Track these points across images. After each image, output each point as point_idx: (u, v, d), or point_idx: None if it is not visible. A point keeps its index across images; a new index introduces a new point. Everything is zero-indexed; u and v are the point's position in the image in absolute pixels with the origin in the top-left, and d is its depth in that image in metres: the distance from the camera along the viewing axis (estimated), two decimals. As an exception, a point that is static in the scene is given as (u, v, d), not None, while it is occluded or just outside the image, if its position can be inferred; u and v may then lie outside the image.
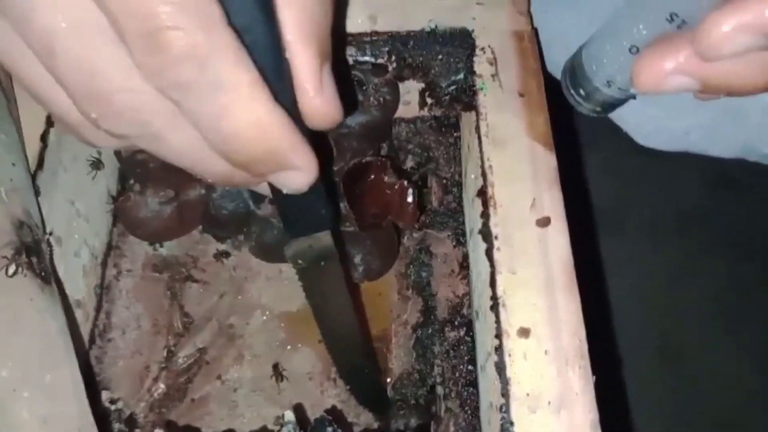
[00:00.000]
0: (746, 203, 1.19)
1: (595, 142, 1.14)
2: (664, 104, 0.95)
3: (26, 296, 0.58)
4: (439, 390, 0.82)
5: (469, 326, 0.84)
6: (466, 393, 0.81)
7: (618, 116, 0.74)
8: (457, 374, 0.82)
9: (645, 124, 1.02)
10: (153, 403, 0.85)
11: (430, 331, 0.86)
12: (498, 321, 0.63)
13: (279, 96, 0.44)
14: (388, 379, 0.86)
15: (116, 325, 0.87)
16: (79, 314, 0.80)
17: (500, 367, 0.61)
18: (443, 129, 0.93)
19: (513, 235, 0.67)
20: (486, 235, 0.67)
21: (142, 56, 0.40)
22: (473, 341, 0.84)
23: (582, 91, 0.62)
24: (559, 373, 0.60)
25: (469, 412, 0.80)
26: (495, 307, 0.64)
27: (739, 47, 0.41)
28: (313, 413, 0.84)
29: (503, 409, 0.59)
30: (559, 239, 0.67)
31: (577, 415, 0.59)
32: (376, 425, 0.83)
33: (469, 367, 0.82)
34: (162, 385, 0.86)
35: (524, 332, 0.62)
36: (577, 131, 0.68)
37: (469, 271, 0.86)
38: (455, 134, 0.92)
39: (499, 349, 0.62)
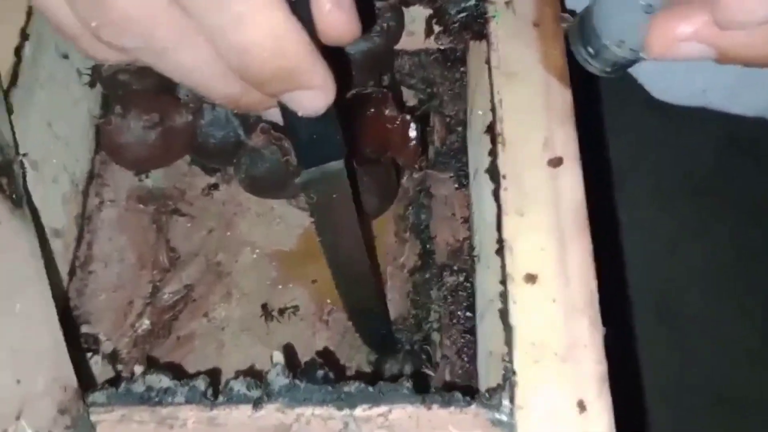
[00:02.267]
0: (757, 168, 1.16)
1: (608, 94, 1.09)
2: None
3: (-7, 219, 0.53)
4: (436, 336, 0.79)
5: (469, 272, 0.81)
6: (463, 340, 0.78)
7: (634, 67, 0.69)
8: (454, 321, 0.79)
9: (662, 78, 0.97)
10: (136, 339, 0.81)
11: (427, 275, 0.82)
12: (503, 266, 0.59)
13: (296, 9, 0.41)
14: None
15: (98, 257, 0.83)
16: (58, 244, 0.76)
17: (504, 314, 0.58)
18: (449, 63, 0.87)
19: (522, 175, 0.62)
20: (493, 174, 0.63)
21: None
22: (472, 287, 0.80)
23: (591, 49, 0.57)
24: (567, 322, 0.57)
25: (466, 359, 0.77)
26: (500, 251, 0.60)
27: (760, 18, 0.39)
28: (303, 355, 0.81)
29: (506, 359, 0.56)
30: (571, 181, 0.62)
31: (584, 367, 0.55)
32: (368, 369, 0.80)
33: (468, 314, 0.79)
34: (146, 321, 0.82)
35: (531, 278, 0.59)
36: (592, 78, 0.63)
37: (471, 214, 0.82)
38: (461, 69, 0.86)
39: (503, 296, 0.58)
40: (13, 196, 0.56)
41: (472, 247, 0.78)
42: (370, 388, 0.56)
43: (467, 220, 0.84)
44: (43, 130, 0.73)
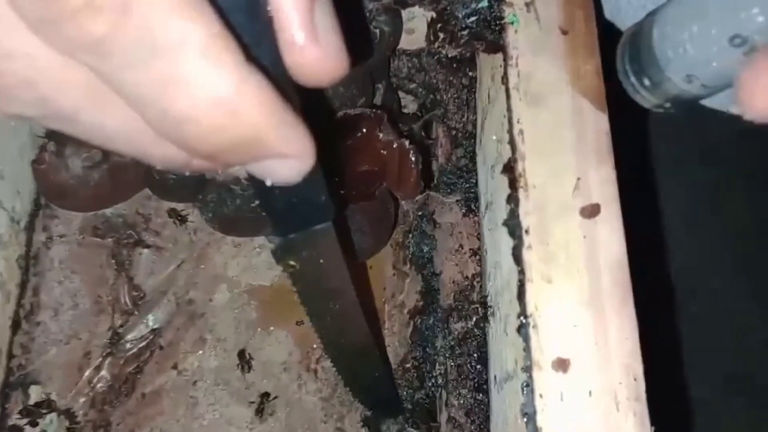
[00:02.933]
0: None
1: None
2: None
3: None
4: (441, 393, 0.68)
5: (480, 316, 0.69)
6: (473, 400, 0.67)
7: None
8: (462, 376, 0.68)
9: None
10: (95, 398, 0.70)
11: (431, 320, 0.71)
12: (527, 348, 0.47)
13: (254, 50, 0.29)
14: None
15: (47, 305, 0.71)
16: (-5, 296, 0.64)
17: (528, 413, 0.46)
18: (455, 66, 0.74)
19: (549, 229, 0.50)
20: (513, 228, 0.51)
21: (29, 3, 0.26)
22: (484, 336, 0.69)
23: (646, 79, 0.44)
24: (606, 420, 0.46)
25: (477, 423, 0.66)
26: (524, 328, 0.48)
27: None
28: (289, 417, 0.70)
29: (532, 471, 0.44)
30: (610, 234, 0.50)
31: (628, 482, 0.44)
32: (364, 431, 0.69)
33: (478, 367, 0.68)
34: (106, 376, 0.71)
35: (562, 364, 0.47)
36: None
37: (482, 250, 0.70)
38: (470, 74, 0.73)
39: (527, 388, 0.47)
40: None
41: (483, 295, 0.66)
42: None
43: (476, 253, 0.73)
44: (-33, 165, 0.60)
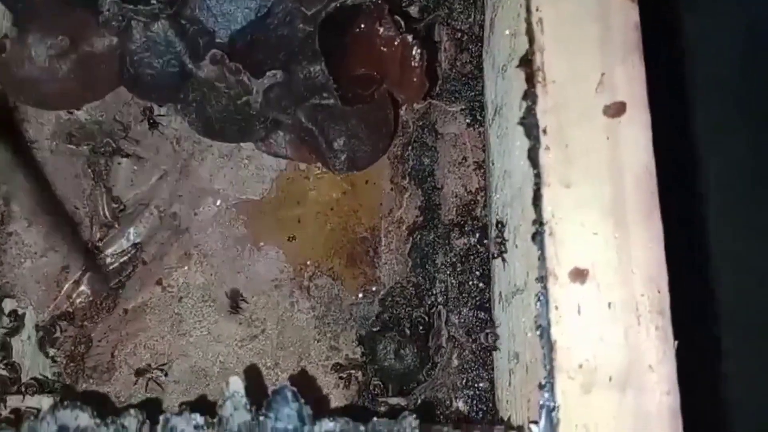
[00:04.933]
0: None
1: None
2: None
3: None
4: (441, 312, 0.64)
5: (483, 232, 0.65)
6: (475, 319, 0.64)
7: None
8: (464, 294, 0.64)
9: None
10: (74, 313, 0.66)
11: (432, 236, 0.66)
12: (543, 256, 0.43)
13: None
14: (374, 288, 0.68)
15: (18, 215, 0.66)
16: (-39, 203, 0.59)
17: (541, 325, 0.43)
18: (462, -40, 0.67)
19: (570, 130, 0.46)
20: (530, 127, 0.46)
21: None
22: (487, 252, 0.65)
23: None
24: (627, 335, 0.42)
25: (478, 342, 0.63)
26: (539, 236, 0.44)
27: None
28: (280, 335, 0.67)
29: (545, 386, 0.41)
30: (636, 136, 0.46)
31: (649, 397, 0.41)
32: (359, 352, 0.66)
33: (480, 285, 0.64)
34: (86, 291, 0.67)
35: (580, 275, 0.43)
36: None
37: (487, 161, 0.65)
38: (479, -32, 0.67)
39: (542, 298, 0.43)
40: None
41: (487, 202, 0.62)
42: (362, 427, 0.41)
43: (481, 166, 0.68)
44: None
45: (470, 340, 0.62)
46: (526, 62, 0.47)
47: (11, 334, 0.61)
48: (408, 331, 0.64)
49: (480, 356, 0.62)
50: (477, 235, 0.65)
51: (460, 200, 0.67)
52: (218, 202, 0.71)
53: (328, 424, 0.41)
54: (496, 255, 0.55)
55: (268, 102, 0.53)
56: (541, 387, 0.42)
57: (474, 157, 0.68)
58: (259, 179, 0.72)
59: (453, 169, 0.68)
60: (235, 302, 0.66)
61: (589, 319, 0.43)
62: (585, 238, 0.44)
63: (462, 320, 0.63)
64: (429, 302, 0.65)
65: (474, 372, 0.62)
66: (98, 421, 0.41)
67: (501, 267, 0.57)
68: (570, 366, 0.42)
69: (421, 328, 0.64)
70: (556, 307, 0.43)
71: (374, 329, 0.66)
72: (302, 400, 0.42)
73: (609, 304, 0.43)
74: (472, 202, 0.66)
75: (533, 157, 0.45)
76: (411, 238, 0.68)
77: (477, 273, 0.64)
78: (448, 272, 0.65)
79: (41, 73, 0.50)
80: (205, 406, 0.43)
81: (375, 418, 0.42)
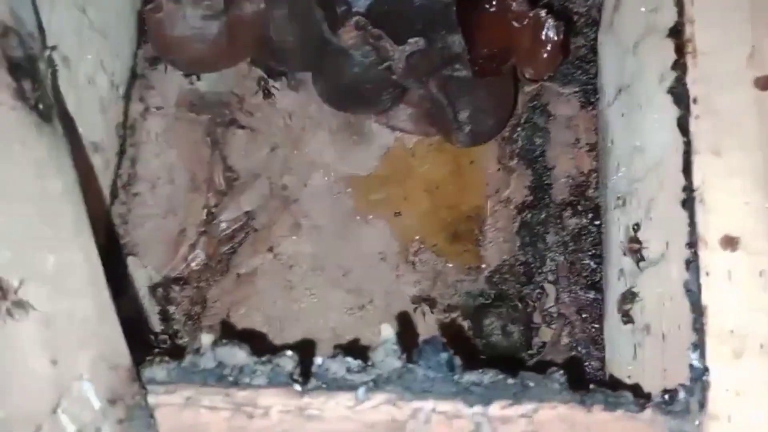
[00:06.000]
0: None
1: None
2: None
3: (15, 139, 0.39)
4: (551, 290, 0.65)
5: (596, 212, 0.66)
6: (585, 297, 0.64)
7: None
8: (575, 273, 0.64)
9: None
10: (190, 274, 0.69)
11: (543, 215, 0.67)
12: (693, 222, 0.44)
13: None
14: (481, 266, 0.69)
15: (144, 177, 0.69)
16: (96, 160, 0.62)
17: (692, 289, 0.43)
18: (582, -57, 0.68)
19: (720, 100, 0.46)
20: (680, 95, 0.46)
21: None
22: (599, 232, 0.65)
23: None
24: (779, 304, 0.42)
25: (589, 321, 0.63)
26: (689, 202, 0.44)
27: None
28: (388, 306, 0.68)
29: (695, 348, 0.41)
30: (787, 109, 0.45)
31: (801, 366, 0.41)
32: (465, 324, 0.67)
33: (593, 265, 0.65)
34: (201, 254, 0.69)
35: (731, 242, 0.43)
36: None
37: (601, 142, 0.65)
38: (600, -49, 0.67)
39: (692, 264, 0.43)
40: (40, 105, 0.41)
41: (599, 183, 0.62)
42: (511, 380, 0.42)
43: (593, 148, 0.68)
44: (76, 16, 0.57)
45: (580, 319, 0.63)
46: (676, 33, 0.48)
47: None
48: (516, 308, 0.65)
49: (590, 335, 0.62)
50: (590, 215, 0.65)
51: (572, 180, 0.67)
52: (327, 176, 0.73)
53: (477, 374, 0.42)
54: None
55: (409, 68, 0.54)
56: (692, 349, 0.42)
57: (587, 139, 0.68)
58: (368, 155, 0.73)
59: (565, 150, 0.68)
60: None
61: (739, 286, 0.43)
62: (735, 207, 0.44)
63: (572, 298, 0.64)
64: (539, 280, 0.66)
65: (584, 350, 0.62)
66: (255, 359, 0.43)
67: (618, 243, 0.57)
68: (721, 331, 0.42)
69: (529, 304, 0.65)
70: (707, 273, 0.43)
71: (481, 304, 0.66)
72: (452, 351, 0.43)
73: (760, 273, 0.43)
74: (585, 183, 0.67)
75: (683, 125, 0.46)
76: (520, 217, 0.68)
77: (589, 252, 0.64)
78: (559, 251, 0.65)
79: (193, 34, 0.52)
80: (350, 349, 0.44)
81: (522, 372, 0.42)
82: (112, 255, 0.64)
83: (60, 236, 0.39)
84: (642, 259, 0.51)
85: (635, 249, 0.51)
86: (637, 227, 0.52)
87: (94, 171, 0.58)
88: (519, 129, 0.70)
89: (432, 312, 0.67)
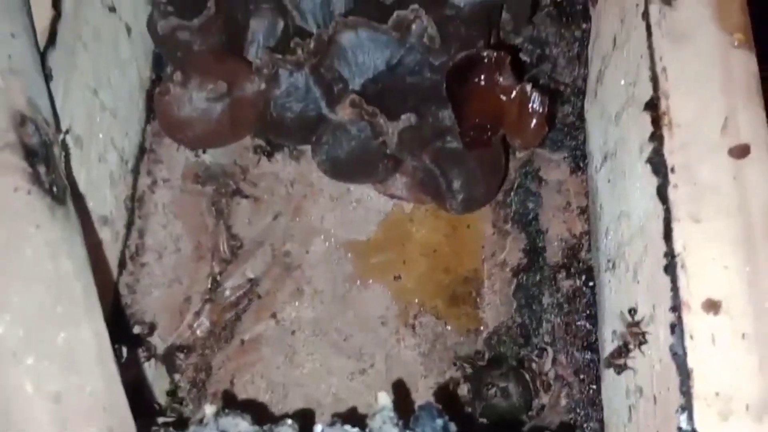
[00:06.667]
0: None
1: None
2: None
3: (30, 222, 0.41)
4: (548, 351, 0.66)
5: (589, 274, 0.67)
6: (582, 358, 0.65)
7: None
8: (571, 334, 0.66)
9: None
10: (195, 342, 0.70)
11: (538, 277, 0.69)
12: (676, 287, 0.45)
13: None
14: (478, 328, 0.70)
15: (151, 247, 0.71)
16: (106, 233, 0.64)
17: (677, 353, 0.44)
18: (566, 19, 0.72)
19: (697, 168, 0.48)
20: (658, 165, 0.49)
21: None
22: (592, 293, 0.67)
23: None
24: (762, 366, 0.43)
25: (587, 382, 0.64)
26: (671, 268, 0.46)
27: None
28: (389, 370, 0.69)
29: (683, 411, 0.43)
30: (762, 174, 0.48)
31: (788, 428, 0.42)
32: (465, 388, 0.67)
33: (588, 326, 0.66)
34: (206, 321, 0.71)
35: (713, 306, 0.45)
36: None
37: (592, 206, 0.68)
38: (583, 26, 0.71)
39: (676, 327, 0.45)
40: (54, 188, 0.44)
41: (591, 245, 0.64)
42: (504, 445, 0.43)
43: (584, 211, 0.71)
44: (88, 98, 0.60)
45: (578, 380, 0.64)
46: (652, 107, 0.50)
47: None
48: (515, 370, 0.66)
49: (588, 396, 0.63)
50: (583, 276, 0.67)
51: (565, 243, 0.69)
52: (328, 242, 0.75)
53: (472, 440, 0.43)
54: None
55: (402, 142, 0.57)
56: (680, 411, 0.43)
57: (577, 202, 0.71)
58: (367, 221, 0.76)
59: (557, 214, 0.70)
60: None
61: (723, 348, 0.44)
62: (716, 271, 0.46)
63: (569, 360, 0.65)
64: (535, 342, 0.67)
65: (583, 411, 0.63)
66: (257, 427, 0.44)
67: (616, 304, 0.59)
68: (707, 393, 0.43)
69: (527, 366, 0.66)
70: (691, 336, 0.44)
71: (480, 366, 0.68)
72: (447, 417, 0.44)
73: (743, 335, 0.44)
74: (577, 246, 0.69)
75: (662, 194, 0.48)
76: (516, 280, 0.70)
77: (584, 314, 0.66)
78: (554, 312, 0.67)
79: (198, 115, 0.56)
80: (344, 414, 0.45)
81: (516, 437, 0.43)
82: (119, 326, 0.65)
83: (70, 313, 0.41)
84: (644, 341, 0.50)
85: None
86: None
87: (103, 248, 0.60)
88: (512, 194, 0.73)
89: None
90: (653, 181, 0.49)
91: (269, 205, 0.76)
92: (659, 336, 0.48)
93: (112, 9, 0.64)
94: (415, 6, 0.58)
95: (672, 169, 0.48)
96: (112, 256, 0.66)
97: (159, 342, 0.69)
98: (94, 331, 0.42)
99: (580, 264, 0.68)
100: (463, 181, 0.62)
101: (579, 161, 0.71)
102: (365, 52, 0.59)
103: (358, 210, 0.76)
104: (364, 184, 0.70)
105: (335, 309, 0.72)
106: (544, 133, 0.60)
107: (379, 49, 0.59)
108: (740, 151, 0.48)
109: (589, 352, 0.65)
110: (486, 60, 0.59)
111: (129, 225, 0.70)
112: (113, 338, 0.45)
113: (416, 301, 0.73)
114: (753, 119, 0.49)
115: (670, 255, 0.46)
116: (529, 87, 0.58)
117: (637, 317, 0.51)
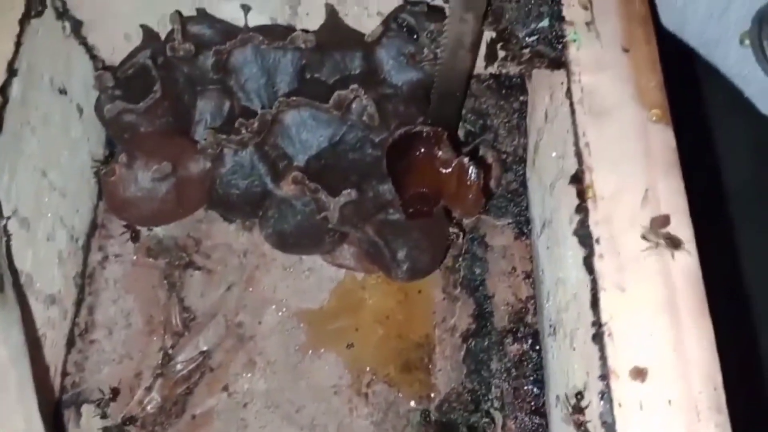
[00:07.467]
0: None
1: (721, 112, 0.94)
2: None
3: (-37, 313, 0.41)
4: (497, 417, 0.66)
5: (535, 338, 0.69)
6: (530, 423, 0.66)
7: (742, 78, 0.57)
8: (520, 399, 0.67)
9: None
10: (145, 419, 0.70)
11: (486, 342, 0.70)
12: (604, 356, 0.47)
13: None
14: (430, 394, 0.71)
15: (101, 324, 0.71)
16: (54, 312, 0.65)
17: (607, 422, 0.45)
18: (505, 91, 0.75)
19: (620, 239, 0.50)
20: (584, 237, 0.51)
21: None
22: (539, 357, 0.68)
23: None
24: (690, 430, 0.45)
25: None
26: (599, 337, 0.48)
27: None
28: (340, 440, 0.69)
29: (613, 481, 0.43)
30: (683, 246, 0.50)
31: (714, 493, 0.43)
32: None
33: (535, 390, 0.67)
34: (156, 397, 0.71)
35: (640, 374, 0.46)
36: (700, 99, 0.52)
37: (536, 271, 0.70)
38: (520, 98, 0.74)
39: (605, 396, 0.46)
40: (-10, 277, 0.45)
41: (537, 310, 0.66)
42: None
43: (530, 276, 0.72)
44: (36, 180, 0.61)
45: (528, 444, 0.64)
46: (577, 180, 0.53)
47: None
48: (465, 437, 0.66)
49: (538, 461, 0.64)
50: (529, 340, 0.68)
51: (511, 308, 0.71)
52: (280, 311, 0.76)
53: None
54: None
55: (343, 217, 0.58)
56: (610, 482, 0.44)
57: (522, 267, 0.72)
58: (319, 289, 0.76)
59: (503, 279, 0.72)
60: None
61: (651, 415, 0.45)
62: (642, 339, 0.47)
63: (519, 425, 0.65)
64: (485, 408, 0.67)
65: (533, 476, 0.63)
66: None
67: (557, 370, 0.60)
68: (637, 461, 0.44)
69: (478, 432, 0.66)
70: (620, 404, 0.46)
71: (432, 434, 0.68)
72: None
73: (669, 401, 0.46)
74: (523, 310, 0.70)
75: (589, 265, 0.50)
76: (465, 345, 0.71)
77: (531, 378, 0.67)
78: (503, 377, 0.68)
79: (144, 194, 0.57)
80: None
81: None
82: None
83: (3, 403, 0.41)
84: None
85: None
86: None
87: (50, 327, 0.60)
88: (460, 259, 0.75)
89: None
90: (580, 252, 0.51)
91: (222, 276, 0.77)
92: (593, 404, 0.49)
93: (63, 91, 0.66)
94: (355, 86, 0.60)
95: (597, 240, 0.50)
96: (60, 335, 0.66)
97: (109, 420, 0.68)
98: (26, 423, 0.42)
99: (526, 328, 0.69)
100: (407, 251, 0.63)
101: (522, 227, 0.73)
102: (308, 130, 0.61)
103: (311, 278, 0.77)
104: (311, 255, 0.71)
105: (288, 380, 0.72)
106: (482, 204, 0.63)
107: (322, 127, 0.61)
108: (661, 222, 0.51)
109: (538, 417, 0.65)
110: (425, 135, 0.62)
111: (78, 302, 0.70)
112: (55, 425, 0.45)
113: (369, 368, 0.73)
114: (672, 190, 0.52)
115: (598, 324, 0.48)
116: (466, 160, 0.61)
117: (584, 402, 0.51)
